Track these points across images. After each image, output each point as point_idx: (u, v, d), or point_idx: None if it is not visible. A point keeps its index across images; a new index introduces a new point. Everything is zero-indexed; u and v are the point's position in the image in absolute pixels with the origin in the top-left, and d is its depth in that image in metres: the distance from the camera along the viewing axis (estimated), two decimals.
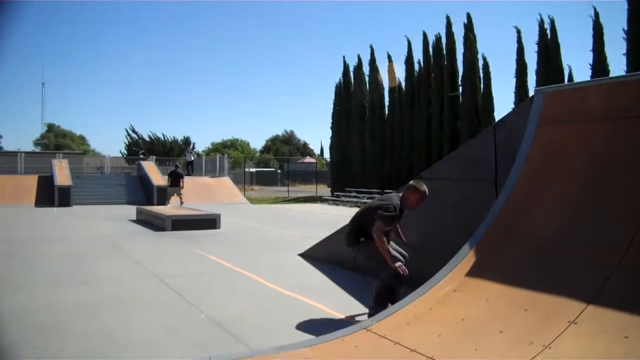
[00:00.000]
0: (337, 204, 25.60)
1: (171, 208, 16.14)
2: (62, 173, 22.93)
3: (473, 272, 4.15)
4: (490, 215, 4.71)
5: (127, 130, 53.46)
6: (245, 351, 4.15)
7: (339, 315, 5.35)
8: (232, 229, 13.55)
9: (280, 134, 79.43)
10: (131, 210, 16.48)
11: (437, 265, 4.58)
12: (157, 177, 24.03)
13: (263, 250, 10.02)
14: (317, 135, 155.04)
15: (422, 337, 3.52)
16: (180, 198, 18.75)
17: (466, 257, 4.35)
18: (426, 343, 3.43)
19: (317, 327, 4.80)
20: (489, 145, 5.74)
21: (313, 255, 8.68)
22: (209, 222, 13.47)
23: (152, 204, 22.07)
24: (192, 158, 31.50)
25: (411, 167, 24.99)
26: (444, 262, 4.85)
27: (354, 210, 21.29)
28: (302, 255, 8.98)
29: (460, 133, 23.02)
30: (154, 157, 30.69)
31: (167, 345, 4.34)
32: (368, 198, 24.49)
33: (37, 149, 54.76)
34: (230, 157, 44.07)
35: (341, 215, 18.72)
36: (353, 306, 5.70)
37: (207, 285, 6.74)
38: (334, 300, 5.99)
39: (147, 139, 48.89)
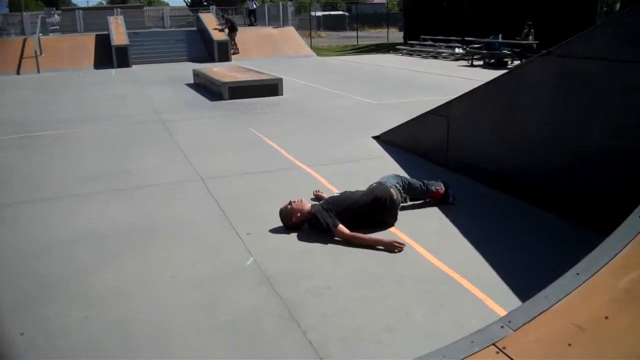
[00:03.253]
0: (411, 54, 23.08)
1: (230, 70, 14.61)
2: (118, 31, 21.58)
3: None
4: None
5: None
6: None
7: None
8: (296, 95, 11.98)
9: None
10: (191, 71, 15.15)
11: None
12: (217, 32, 22.24)
13: (331, 129, 8.48)
14: None
15: None
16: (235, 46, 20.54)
17: None
18: None
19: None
20: None
21: (391, 140, 7.10)
22: (270, 89, 11.93)
23: (213, 61, 20.81)
24: (255, 5, 28.96)
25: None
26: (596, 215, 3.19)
27: (430, 64, 19.24)
28: (377, 138, 7.42)
29: None
30: (214, 8, 28.48)
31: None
32: (446, 47, 21.80)
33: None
34: (295, 1, 40.86)
35: (417, 71, 16.58)
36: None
37: (253, 197, 5.44)
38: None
39: None
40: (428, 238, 4.17)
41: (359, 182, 5.29)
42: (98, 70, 19.35)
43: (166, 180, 5.86)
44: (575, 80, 4.22)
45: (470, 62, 18.68)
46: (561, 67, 4.35)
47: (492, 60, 17.50)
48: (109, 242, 4.26)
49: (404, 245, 3.94)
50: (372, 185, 4.56)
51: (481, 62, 18.39)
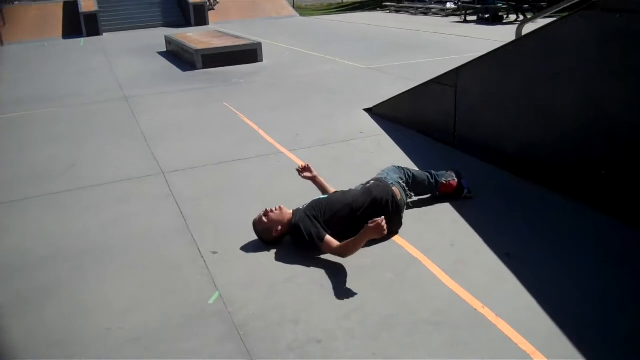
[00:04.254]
0: (399, 11, 21.75)
1: (204, 35, 13.38)
2: None
3: None
4: None
5: None
6: None
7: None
8: (278, 61, 10.89)
9: None
10: (163, 38, 13.89)
11: None
12: None
13: (316, 101, 7.46)
14: None
15: None
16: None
17: None
18: None
19: None
20: None
21: (386, 114, 6.12)
22: (249, 55, 10.81)
23: (190, 25, 19.52)
24: None
25: None
26: None
27: (420, 21, 17.97)
28: (369, 111, 6.43)
29: None
30: None
31: None
32: (436, 2, 20.54)
33: None
34: None
35: (407, 29, 15.41)
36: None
37: (223, 197, 4.49)
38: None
39: None
40: (442, 251, 3.25)
41: (351, 169, 4.39)
42: (66, 40, 17.96)
43: (119, 177, 4.85)
44: (629, 42, 3.24)
45: (463, 17, 17.48)
46: (608, 25, 3.37)
47: (487, 15, 16.30)
48: (25, 275, 3.26)
49: (384, 223, 2.90)
50: (368, 183, 3.60)
51: (475, 18, 17.23)
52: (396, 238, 3.41)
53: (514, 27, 6.76)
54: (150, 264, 3.32)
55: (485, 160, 4.51)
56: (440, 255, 3.20)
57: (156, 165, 5.09)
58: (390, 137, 5.46)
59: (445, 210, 3.79)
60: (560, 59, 3.72)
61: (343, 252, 3.11)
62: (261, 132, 5.97)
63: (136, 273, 3.22)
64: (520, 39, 4.51)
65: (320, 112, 6.78)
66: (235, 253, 3.37)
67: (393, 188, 3.47)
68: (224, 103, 7.44)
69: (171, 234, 3.71)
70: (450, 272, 3.00)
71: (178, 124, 6.61)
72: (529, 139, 4.10)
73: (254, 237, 3.46)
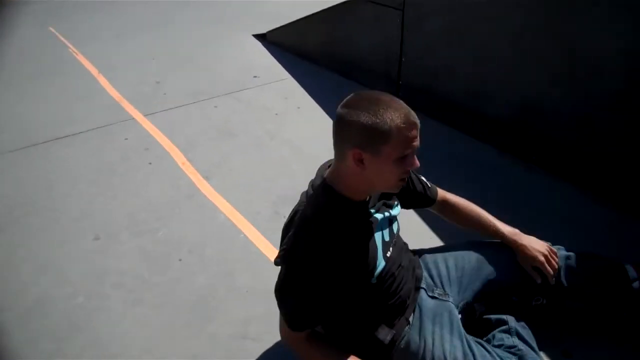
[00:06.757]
0: None
1: None
2: None
3: None
4: None
5: None
6: None
7: None
8: None
9: None
10: None
11: None
12: None
13: (184, 20, 5.35)
14: None
15: None
16: None
17: None
18: None
19: None
20: None
21: (289, 44, 4.27)
22: None
23: None
24: None
25: None
26: None
27: None
28: (263, 38, 4.54)
29: None
30: None
31: None
32: None
33: None
34: None
35: None
36: None
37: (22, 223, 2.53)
38: None
39: None
40: None
41: (247, 150, 2.65)
42: None
43: None
44: None
45: None
46: None
47: None
48: None
49: None
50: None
51: None
52: None
53: None
54: None
55: (448, 124, 2.92)
56: None
57: None
58: (301, 84, 3.67)
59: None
60: None
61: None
62: (101, 79, 3.90)
63: None
64: None
65: (192, 40, 4.74)
66: None
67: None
68: (49, 28, 5.10)
69: None
70: None
71: None
72: (528, 97, 2.52)
73: None
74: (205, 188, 2.45)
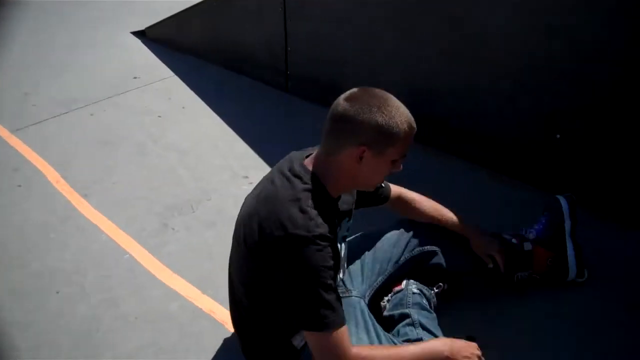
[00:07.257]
0: None
1: None
2: None
3: None
4: None
5: None
6: None
7: None
8: None
9: None
10: None
11: None
12: None
13: (53, 21, 4.93)
14: None
15: None
16: None
17: None
18: None
19: None
20: None
21: (170, 38, 4.04)
22: None
23: None
24: None
25: None
26: None
27: None
28: (142, 35, 4.27)
29: None
30: None
31: None
32: None
33: None
34: None
35: None
36: None
37: None
38: None
39: None
40: None
41: (129, 161, 2.46)
42: None
43: None
44: None
45: None
46: None
47: None
48: None
49: None
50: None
51: None
52: None
53: None
54: None
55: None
56: None
57: None
58: (185, 81, 3.48)
59: None
60: None
61: None
62: None
63: None
64: None
65: (64, 44, 4.36)
66: None
67: None
68: None
69: None
70: None
71: None
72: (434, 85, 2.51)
73: None
74: (84, 207, 2.24)
